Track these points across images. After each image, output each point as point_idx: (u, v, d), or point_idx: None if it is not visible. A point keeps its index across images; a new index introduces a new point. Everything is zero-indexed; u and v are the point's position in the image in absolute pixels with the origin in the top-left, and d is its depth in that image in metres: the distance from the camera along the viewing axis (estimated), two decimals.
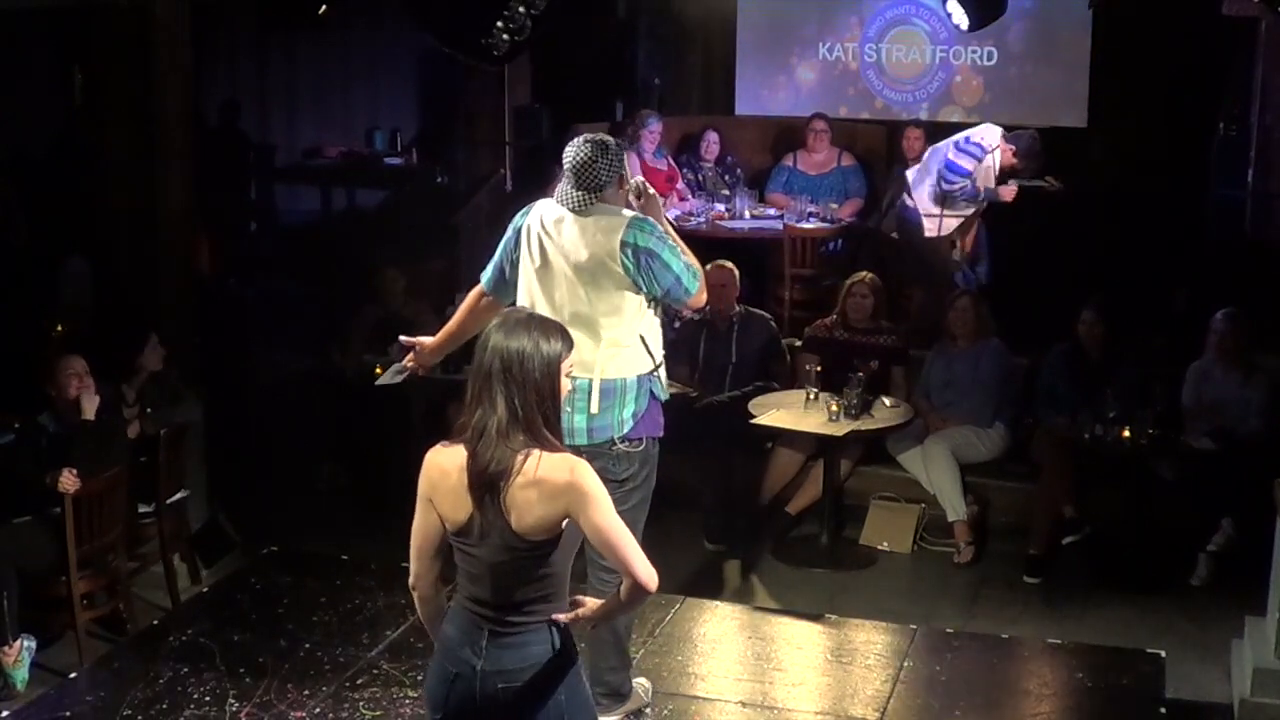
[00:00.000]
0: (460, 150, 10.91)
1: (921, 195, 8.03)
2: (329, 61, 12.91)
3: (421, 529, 3.35)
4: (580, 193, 4.44)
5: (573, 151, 4.43)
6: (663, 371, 4.67)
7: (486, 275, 4.76)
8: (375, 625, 5.73)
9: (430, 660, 3.41)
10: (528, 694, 3.22)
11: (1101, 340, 6.91)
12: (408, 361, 4.85)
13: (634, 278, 4.45)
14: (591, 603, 3.28)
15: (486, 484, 3.16)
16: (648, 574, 3.19)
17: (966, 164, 7.84)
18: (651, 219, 4.55)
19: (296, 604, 5.92)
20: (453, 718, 3.28)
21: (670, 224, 4.79)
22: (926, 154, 8.12)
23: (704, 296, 4.71)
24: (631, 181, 4.55)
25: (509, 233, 4.67)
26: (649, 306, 4.56)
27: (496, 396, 3.17)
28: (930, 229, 8.00)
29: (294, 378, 8.69)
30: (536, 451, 3.16)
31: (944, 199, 7.91)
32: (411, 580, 3.41)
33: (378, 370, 7.74)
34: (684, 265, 4.53)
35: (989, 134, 7.92)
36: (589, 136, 4.47)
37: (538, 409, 3.19)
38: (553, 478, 3.15)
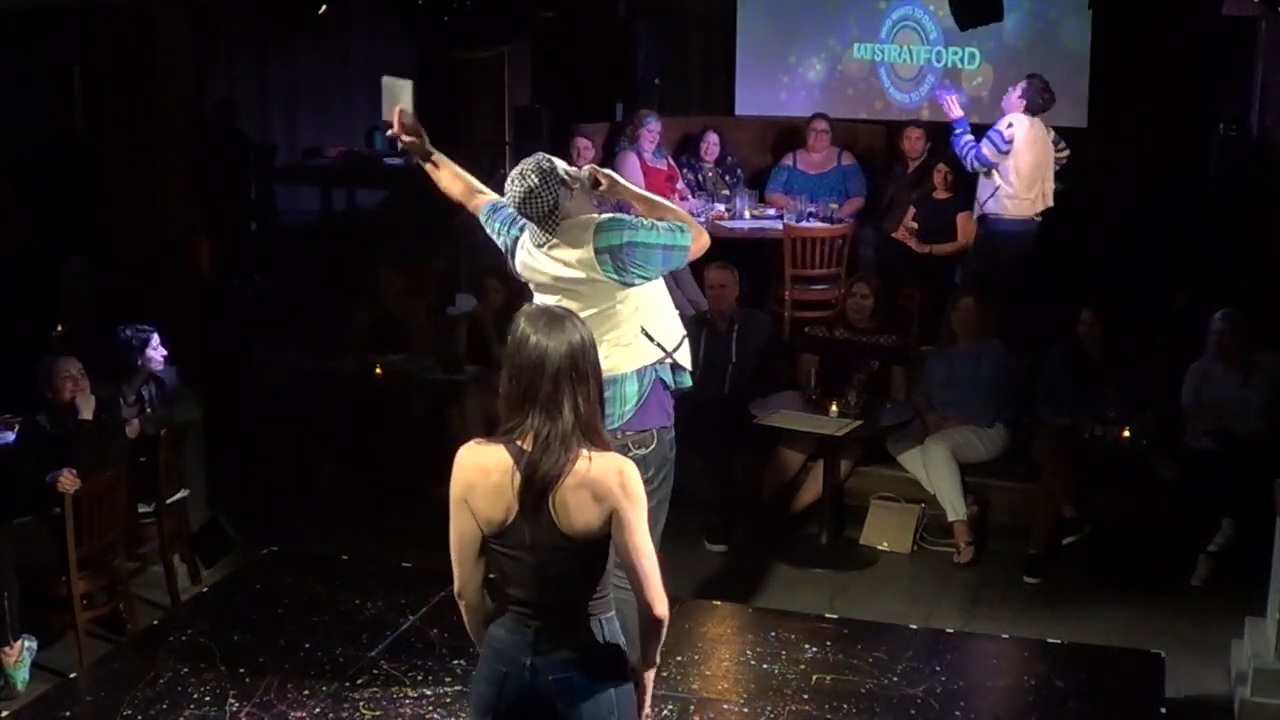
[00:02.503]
0: (460, 150, 10.90)
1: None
2: (329, 61, 12.93)
3: (460, 533, 3.25)
4: (541, 227, 4.39)
5: (508, 199, 4.38)
6: (683, 356, 4.60)
7: (488, 212, 4.72)
8: (375, 625, 5.73)
9: (476, 667, 3.35)
10: (580, 688, 3.19)
11: (1101, 340, 6.91)
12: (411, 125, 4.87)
13: (625, 278, 4.39)
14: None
15: (540, 488, 3.10)
16: (660, 606, 3.19)
17: (994, 156, 7.95)
18: (618, 215, 4.47)
19: (296, 604, 5.92)
20: (503, 718, 3.25)
21: (637, 190, 4.69)
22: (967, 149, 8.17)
23: (704, 240, 4.55)
24: (580, 177, 4.42)
25: (513, 233, 4.63)
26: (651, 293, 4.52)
27: (563, 399, 3.11)
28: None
29: (294, 378, 8.69)
30: (587, 451, 3.13)
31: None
32: (457, 588, 3.33)
33: (378, 370, 7.78)
34: (665, 233, 4.40)
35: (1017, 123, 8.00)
36: (512, 175, 4.35)
37: (598, 406, 3.18)
38: (603, 479, 3.12)
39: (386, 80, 4.98)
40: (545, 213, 4.35)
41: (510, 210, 4.53)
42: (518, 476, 3.12)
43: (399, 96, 4.95)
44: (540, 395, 3.11)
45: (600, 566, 3.21)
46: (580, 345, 3.16)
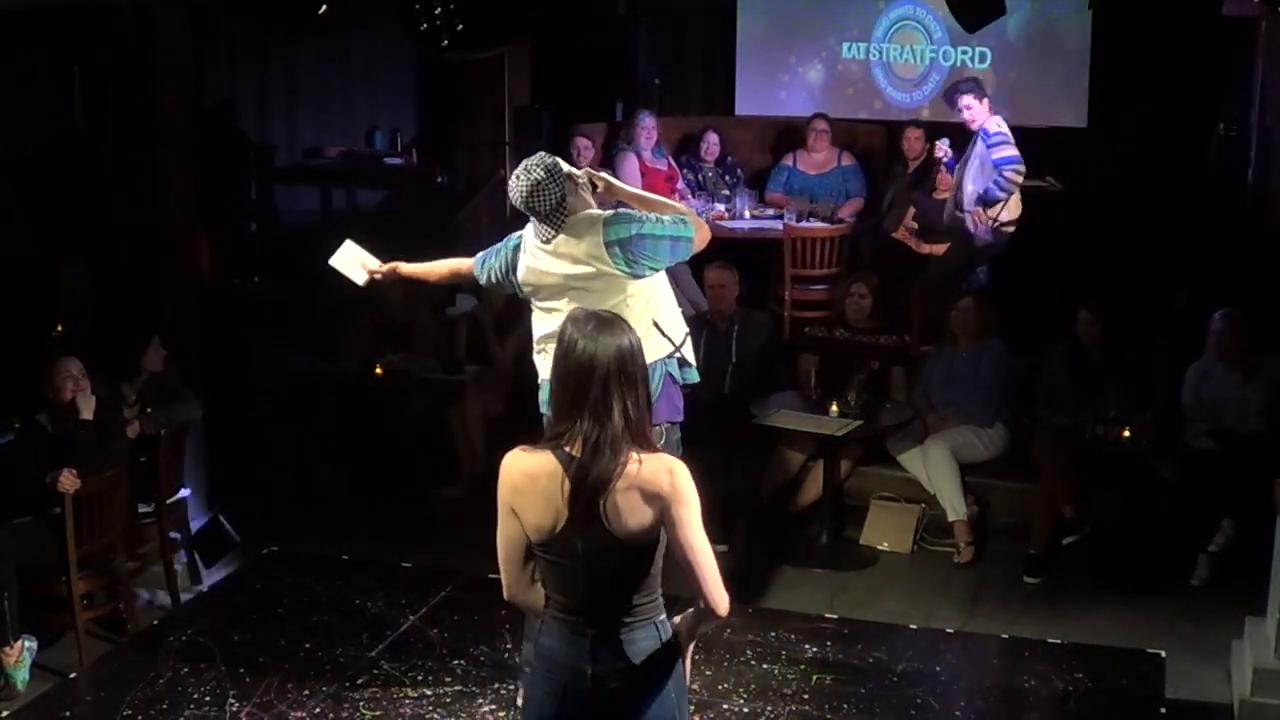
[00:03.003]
0: (460, 150, 10.92)
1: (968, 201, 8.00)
2: (329, 61, 12.90)
3: (508, 538, 3.22)
4: (544, 222, 4.47)
5: (514, 194, 4.45)
6: (687, 351, 4.66)
7: (480, 263, 4.82)
8: (375, 625, 5.74)
9: (527, 682, 3.30)
10: (642, 692, 3.17)
11: (1099, 340, 6.91)
12: (377, 268, 5.03)
13: (636, 270, 4.47)
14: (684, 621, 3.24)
15: (591, 493, 3.07)
16: (722, 601, 3.16)
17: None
18: (623, 209, 4.58)
19: (296, 604, 5.93)
20: None
21: (633, 190, 4.81)
22: (973, 162, 7.96)
23: (706, 234, 4.65)
24: (579, 176, 4.53)
25: (508, 249, 4.72)
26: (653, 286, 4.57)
27: (613, 404, 3.09)
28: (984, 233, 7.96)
29: (294, 378, 8.69)
30: (636, 454, 3.11)
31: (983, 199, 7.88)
32: (508, 594, 3.30)
33: (378, 370, 7.78)
34: (670, 226, 4.49)
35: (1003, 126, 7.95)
36: (516, 172, 4.46)
37: (647, 409, 3.17)
38: (654, 480, 3.10)
39: (340, 253, 5.13)
40: (552, 207, 4.41)
41: (494, 246, 4.67)
42: (566, 483, 3.09)
43: (353, 259, 5.12)
44: (590, 400, 3.09)
45: (649, 569, 3.18)
46: (629, 349, 3.14)
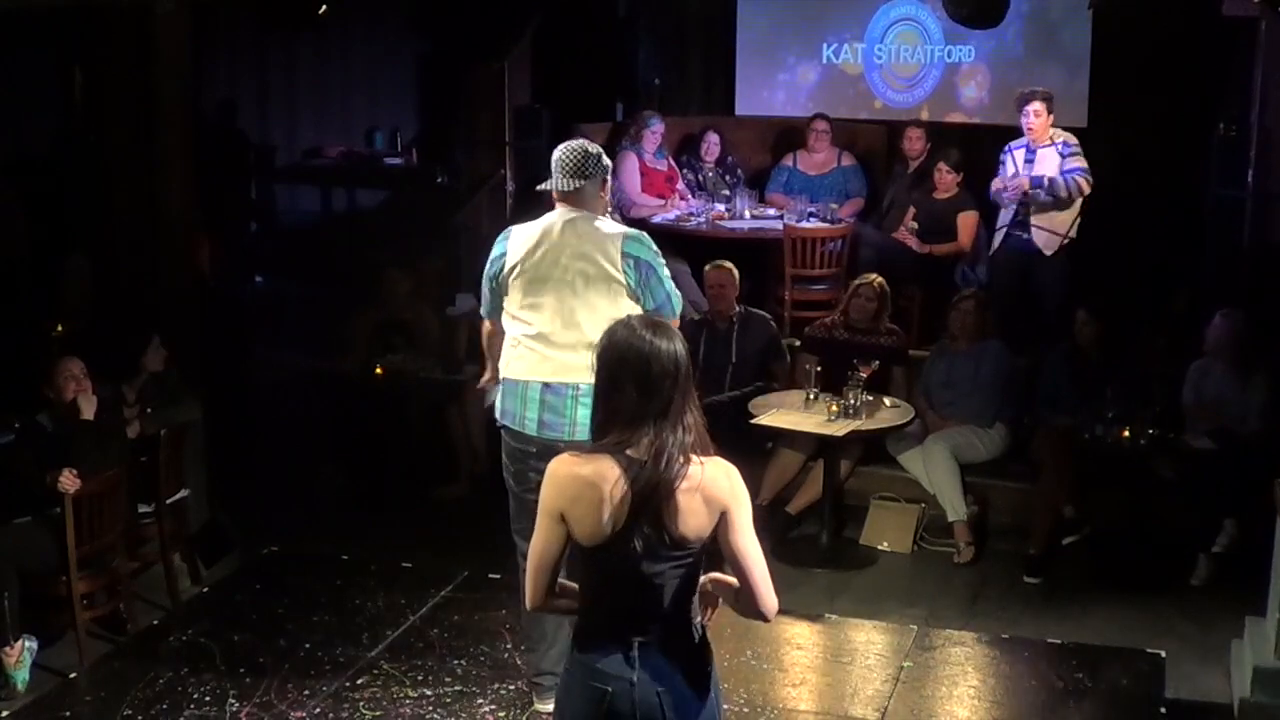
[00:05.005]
0: (460, 150, 10.91)
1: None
2: (329, 61, 12.93)
3: (548, 544, 3.15)
4: (570, 179, 4.68)
5: (563, 153, 4.72)
6: None
7: (486, 308, 4.97)
8: (375, 625, 5.74)
9: (564, 691, 3.24)
10: (686, 696, 3.15)
11: (1097, 339, 6.92)
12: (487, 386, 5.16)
13: (635, 289, 4.62)
14: (722, 581, 3.22)
15: (658, 497, 3.05)
16: (772, 604, 3.17)
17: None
18: (646, 234, 4.76)
19: (296, 604, 5.93)
20: None
21: None
22: (1021, 175, 7.86)
23: (677, 323, 4.73)
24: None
25: (493, 264, 4.83)
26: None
27: (684, 409, 3.09)
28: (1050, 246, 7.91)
29: (294, 378, 8.69)
30: (697, 458, 3.11)
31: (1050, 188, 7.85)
32: (531, 603, 3.24)
33: (379, 370, 7.78)
34: (673, 287, 4.73)
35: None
36: (582, 141, 4.77)
37: (701, 414, 3.16)
38: (715, 483, 3.10)
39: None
40: (580, 174, 4.68)
41: (489, 270, 4.85)
42: (627, 487, 3.06)
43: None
44: (661, 405, 3.07)
45: (699, 573, 3.18)
46: (687, 354, 3.15)
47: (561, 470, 3.13)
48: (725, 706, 5.05)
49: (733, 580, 3.18)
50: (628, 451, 3.08)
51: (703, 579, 3.21)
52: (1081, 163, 7.82)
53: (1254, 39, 8.43)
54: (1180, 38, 8.98)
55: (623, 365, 3.09)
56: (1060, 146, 7.88)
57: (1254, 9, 7.68)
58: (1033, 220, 7.88)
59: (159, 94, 7.26)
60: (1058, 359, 7.07)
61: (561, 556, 3.17)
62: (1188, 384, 6.85)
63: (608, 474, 3.07)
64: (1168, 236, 8.76)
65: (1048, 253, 7.89)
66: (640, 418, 3.07)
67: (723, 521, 3.11)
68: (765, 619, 3.20)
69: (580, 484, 3.08)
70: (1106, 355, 6.91)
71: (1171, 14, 8.73)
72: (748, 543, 3.13)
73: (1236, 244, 8.57)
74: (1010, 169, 7.94)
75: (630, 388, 3.08)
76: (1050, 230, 7.86)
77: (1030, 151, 7.92)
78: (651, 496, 3.04)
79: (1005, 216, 8.04)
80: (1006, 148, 8.05)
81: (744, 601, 3.19)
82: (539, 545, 3.16)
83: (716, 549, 3.16)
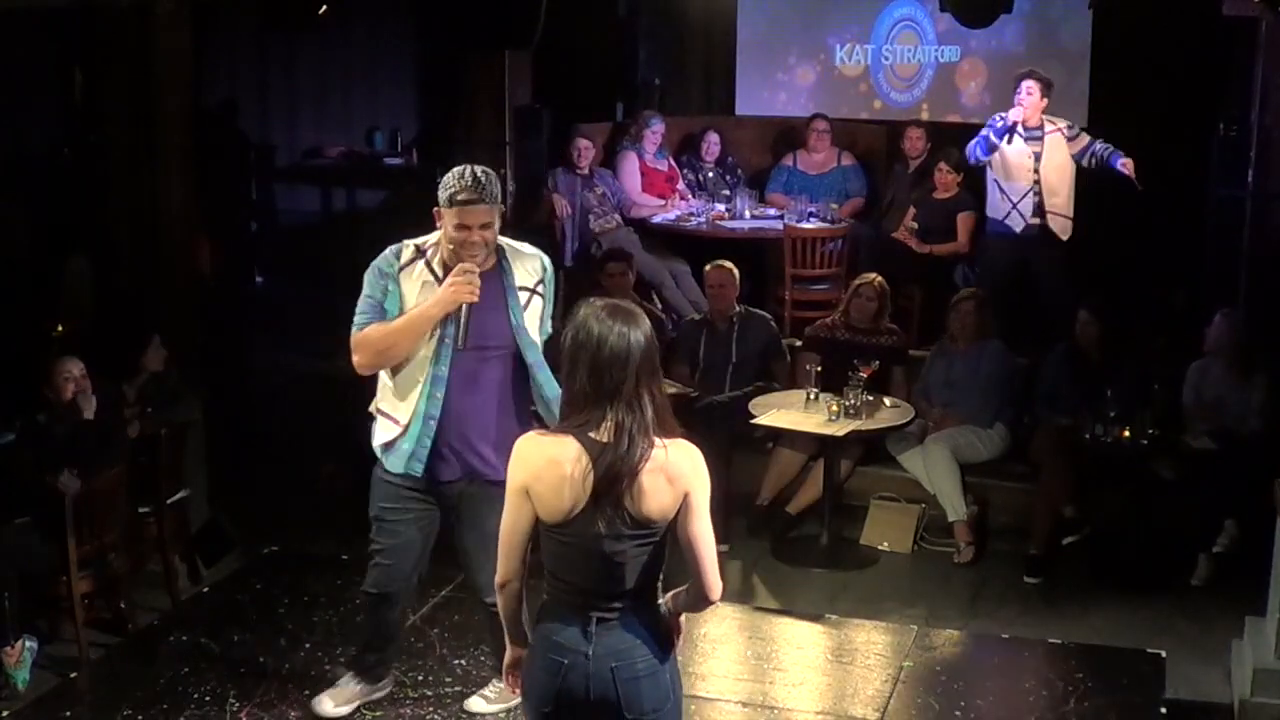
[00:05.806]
0: (460, 150, 10.90)
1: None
2: (329, 61, 12.91)
3: (516, 521, 3.25)
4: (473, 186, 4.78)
5: (469, 177, 4.87)
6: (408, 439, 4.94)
7: (359, 327, 5.07)
8: None
9: (528, 661, 3.35)
10: (640, 673, 3.22)
11: (1098, 339, 6.91)
12: None
13: (540, 322, 4.68)
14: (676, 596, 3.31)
15: (619, 477, 3.12)
16: (718, 585, 3.25)
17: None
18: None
19: (296, 604, 5.93)
20: (564, 709, 3.25)
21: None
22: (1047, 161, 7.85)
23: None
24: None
25: (383, 279, 4.98)
26: None
27: (644, 392, 3.15)
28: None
29: (294, 377, 8.69)
30: (660, 440, 3.17)
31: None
32: (500, 579, 3.34)
33: None
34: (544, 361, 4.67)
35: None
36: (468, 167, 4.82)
37: (664, 397, 3.22)
38: (678, 465, 3.17)
39: None
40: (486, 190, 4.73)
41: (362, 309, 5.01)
42: (591, 467, 3.13)
43: None
44: (623, 389, 3.13)
45: (662, 552, 3.24)
46: (652, 338, 3.20)
47: (526, 448, 3.23)
48: (725, 706, 5.08)
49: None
50: (589, 433, 3.15)
51: (662, 603, 3.30)
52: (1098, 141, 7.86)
53: (1254, 39, 8.42)
54: (1180, 38, 8.98)
55: (578, 348, 3.17)
56: (1065, 129, 7.89)
57: (1254, 9, 7.67)
58: (1047, 206, 7.87)
59: (159, 94, 7.26)
60: (1058, 359, 7.06)
61: (529, 532, 3.25)
62: (1188, 384, 6.85)
63: (569, 453, 3.14)
64: (1168, 236, 8.75)
65: (1064, 237, 7.91)
66: (595, 400, 3.15)
67: (683, 504, 3.18)
68: (711, 602, 3.27)
69: (544, 460, 3.17)
70: (1107, 355, 6.91)
71: (1171, 14, 8.73)
72: (703, 527, 3.21)
73: (1236, 244, 8.56)
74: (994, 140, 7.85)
75: (583, 371, 3.15)
76: (1064, 216, 7.86)
77: (1029, 131, 7.86)
78: (613, 477, 3.12)
79: (1022, 207, 7.96)
80: (998, 116, 7.97)
81: (692, 591, 3.27)
82: (508, 521, 3.26)
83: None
